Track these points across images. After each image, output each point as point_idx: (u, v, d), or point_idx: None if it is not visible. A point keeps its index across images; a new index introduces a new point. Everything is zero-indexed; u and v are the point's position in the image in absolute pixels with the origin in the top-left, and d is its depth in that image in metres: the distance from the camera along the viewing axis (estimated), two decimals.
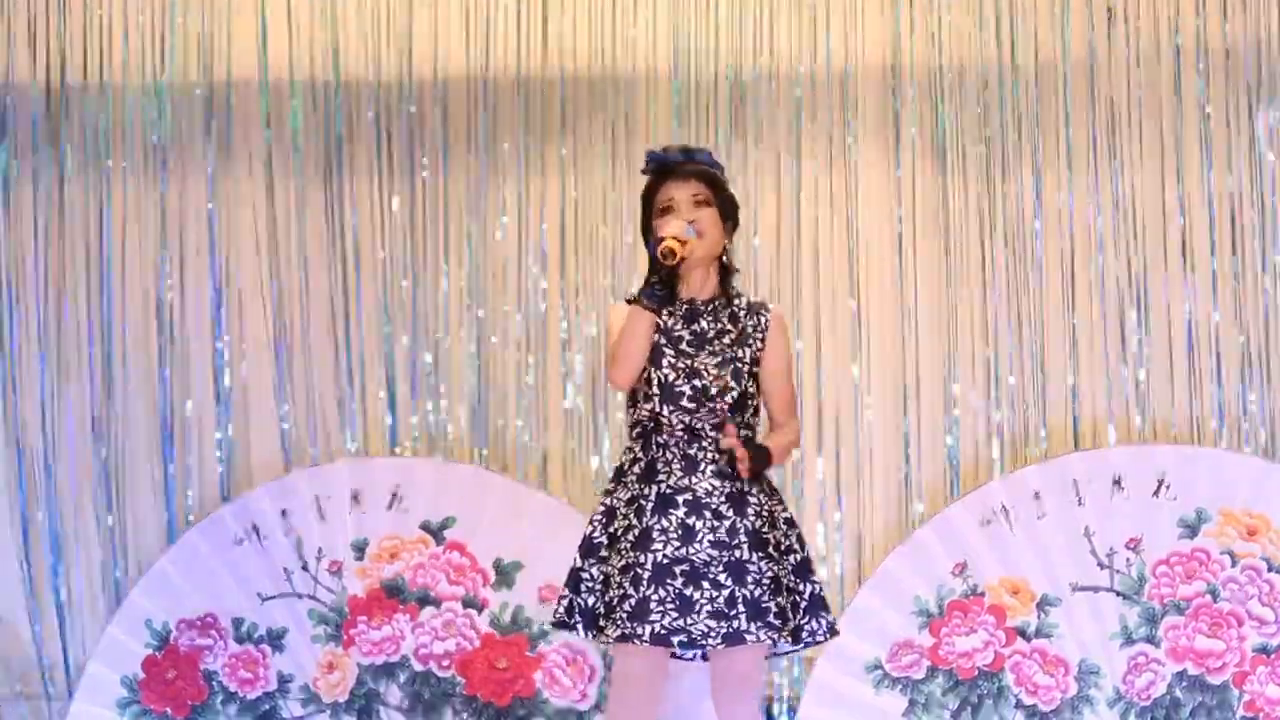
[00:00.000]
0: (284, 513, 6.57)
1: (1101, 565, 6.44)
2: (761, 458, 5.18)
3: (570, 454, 6.70)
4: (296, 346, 6.74)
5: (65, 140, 6.74)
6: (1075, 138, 6.67)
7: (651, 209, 5.27)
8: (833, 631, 5.27)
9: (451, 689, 6.51)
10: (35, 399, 6.73)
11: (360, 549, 6.56)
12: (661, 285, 5.14)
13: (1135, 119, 6.66)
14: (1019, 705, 6.44)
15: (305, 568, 6.55)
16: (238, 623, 6.54)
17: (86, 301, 6.73)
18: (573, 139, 6.73)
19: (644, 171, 5.32)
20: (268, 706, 6.53)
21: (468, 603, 6.53)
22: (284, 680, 6.54)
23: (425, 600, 6.53)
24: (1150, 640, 6.42)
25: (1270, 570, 6.41)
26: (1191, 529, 6.43)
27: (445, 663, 6.51)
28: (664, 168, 5.28)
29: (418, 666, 6.52)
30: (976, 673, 6.46)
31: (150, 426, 6.73)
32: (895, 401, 6.70)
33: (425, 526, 6.56)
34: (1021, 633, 6.46)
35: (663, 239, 5.10)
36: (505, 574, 6.53)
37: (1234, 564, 6.42)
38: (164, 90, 6.73)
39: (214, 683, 6.54)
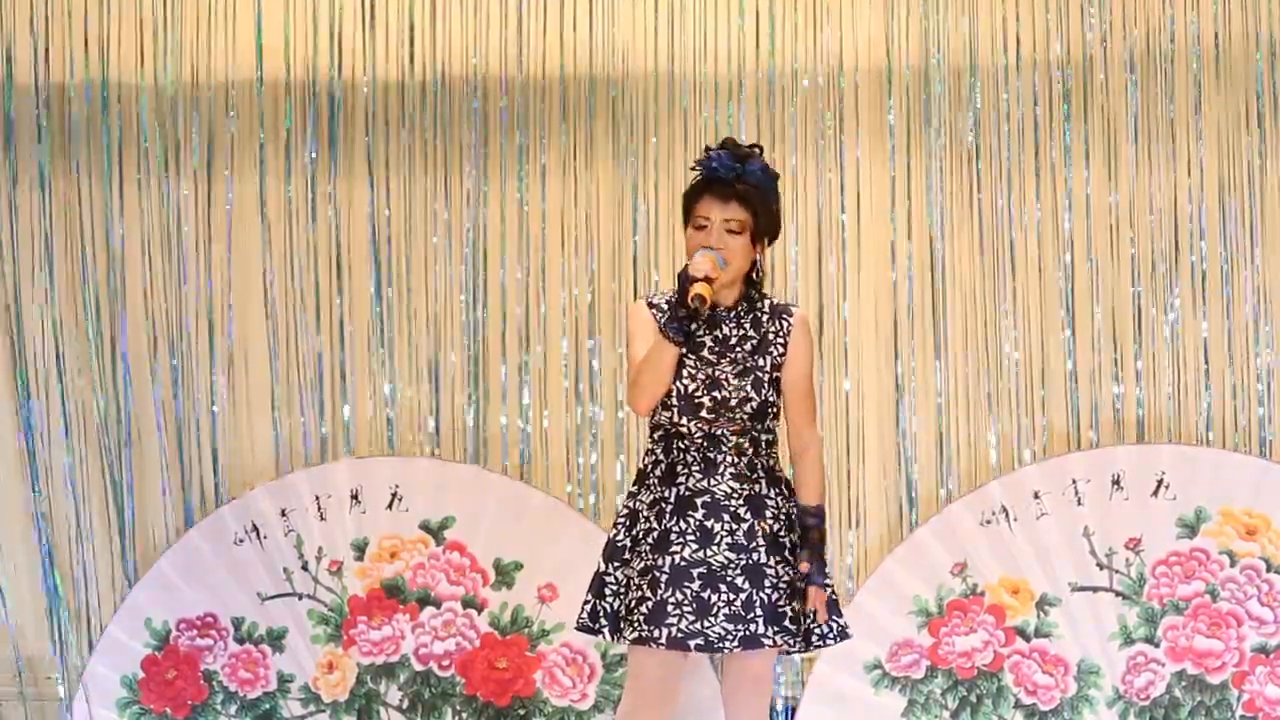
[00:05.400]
0: (284, 512, 6.57)
1: (1101, 565, 6.45)
2: (821, 554, 5.18)
3: (570, 454, 6.70)
4: (295, 346, 6.74)
5: (64, 140, 6.73)
6: (1072, 140, 6.67)
7: (690, 212, 5.19)
8: (843, 635, 5.25)
9: (451, 689, 6.51)
10: (38, 399, 6.72)
11: (360, 549, 6.55)
12: (688, 319, 5.07)
13: (1131, 122, 6.67)
14: (1018, 705, 6.45)
15: (305, 568, 6.55)
16: (238, 622, 6.54)
17: (88, 302, 6.72)
18: (572, 139, 6.73)
19: (692, 167, 5.23)
20: (268, 706, 6.53)
21: (467, 603, 6.53)
22: (284, 680, 6.53)
23: (425, 600, 6.53)
24: (1149, 640, 6.43)
25: (1269, 570, 6.42)
26: (1191, 529, 6.44)
27: (445, 663, 6.51)
28: (709, 177, 5.17)
29: (418, 666, 6.52)
30: (976, 672, 6.47)
31: (151, 426, 6.73)
32: (893, 401, 6.70)
33: (425, 526, 6.56)
34: (1021, 632, 6.46)
35: (694, 280, 5.02)
36: (505, 574, 6.53)
37: (1233, 564, 6.43)
38: (162, 91, 6.72)
39: (214, 683, 6.53)
